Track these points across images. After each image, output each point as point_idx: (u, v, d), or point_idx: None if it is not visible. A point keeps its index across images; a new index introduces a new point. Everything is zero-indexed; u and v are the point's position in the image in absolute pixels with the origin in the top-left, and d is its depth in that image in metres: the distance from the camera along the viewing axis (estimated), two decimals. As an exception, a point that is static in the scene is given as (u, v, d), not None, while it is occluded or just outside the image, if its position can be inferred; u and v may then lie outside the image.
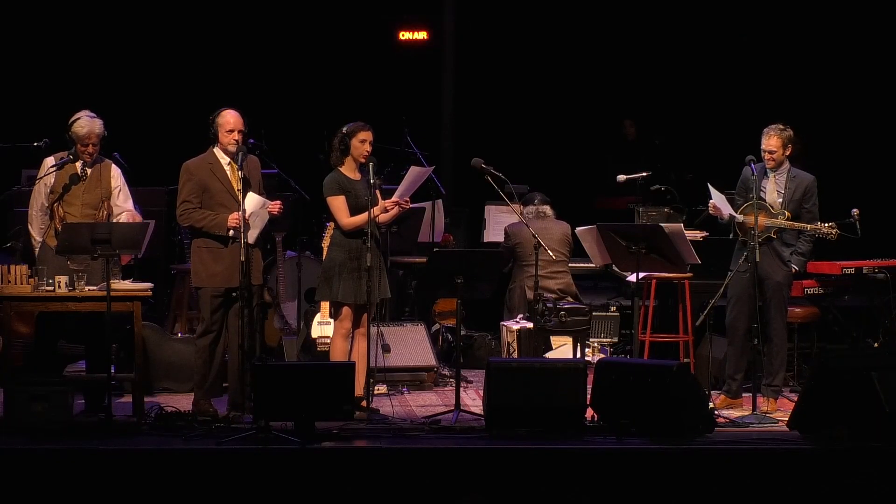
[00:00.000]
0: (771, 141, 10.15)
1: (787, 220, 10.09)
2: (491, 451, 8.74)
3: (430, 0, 15.57)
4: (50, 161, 9.86)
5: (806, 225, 10.12)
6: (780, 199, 10.13)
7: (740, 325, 10.12)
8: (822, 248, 11.53)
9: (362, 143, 9.82)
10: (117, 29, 14.95)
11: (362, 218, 9.71)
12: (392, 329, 11.25)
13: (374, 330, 10.16)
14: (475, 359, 11.87)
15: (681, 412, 9.05)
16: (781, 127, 10.19)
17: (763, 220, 10.04)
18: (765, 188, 10.16)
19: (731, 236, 10.38)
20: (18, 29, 14.78)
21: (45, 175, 9.80)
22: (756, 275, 9.88)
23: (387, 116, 13.62)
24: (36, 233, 9.85)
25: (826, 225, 10.09)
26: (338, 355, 9.83)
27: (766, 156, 10.16)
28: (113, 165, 9.99)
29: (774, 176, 10.18)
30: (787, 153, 10.19)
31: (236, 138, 9.65)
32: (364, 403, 9.75)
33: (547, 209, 11.71)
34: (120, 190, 9.92)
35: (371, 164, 9.79)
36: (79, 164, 9.85)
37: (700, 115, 15.85)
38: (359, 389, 9.59)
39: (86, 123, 9.79)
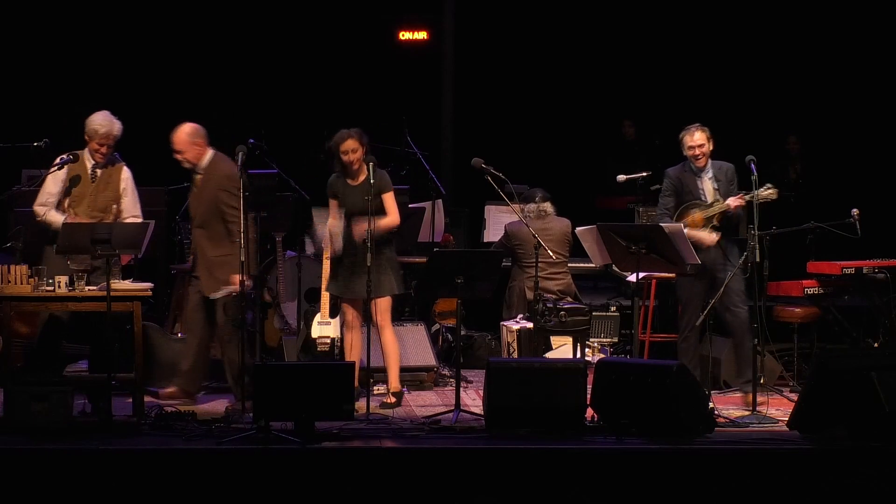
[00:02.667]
0: (696, 135, 10.31)
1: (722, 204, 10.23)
2: (491, 451, 8.74)
3: (430, 0, 15.58)
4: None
5: (744, 196, 10.17)
6: (717, 195, 10.29)
7: (695, 326, 10.20)
8: (822, 248, 11.54)
9: (345, 154, 10.09)
10: (118, 29, 14.96)
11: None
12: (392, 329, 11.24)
13: (373, 330, 10.19)
14: (475, 359, 11.87)
15: (680, 412, 9.05)
16: (699, 124, 10.30)
17: (700, 215, 10.16)
18: (702, 189, 10.30)
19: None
20: (19, 29, 14.79)
21: (51, 171, 9.80)
22: (755, 271, 9.91)
23: (387, 116, 13.63)
24: (53, 217, 9.82)
25: (763, 189, 10.12)
26: (345, 349, 10.30)
27: (696, 151, 10.32)
28: (124, 168, 9.98)
29: (704, 174, 10.34)
30: (713, 147, 10.34)
31: (178, 158, 9.92)
32: (390, 399, 10.16)
33: (548, 206, 11.67)
34: (127, 193, 9.94)
35: (371, 164, 9.87)
36: (89, 165, 9.85)
37: (700, 116, 15.84)
38: (393, 382, 10.22)
39: (106, 122, 9.80)
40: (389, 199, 10.09)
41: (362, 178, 10.07)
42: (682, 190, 10.41)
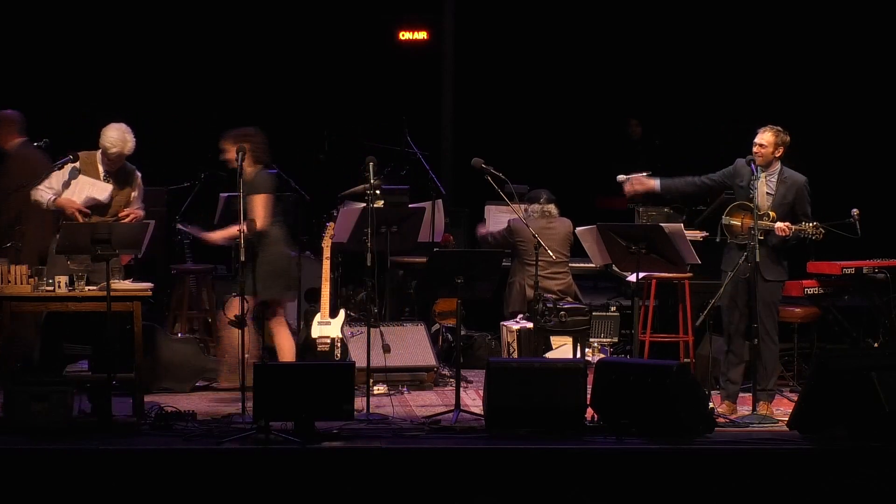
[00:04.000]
0: (765, 135, 10.02)
1: (773, 220, 9.98)
2: (491, 452, 8.74)
3: (430, 0, 15.58)
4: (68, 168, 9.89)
5: (791, 225, 9.98)
6: (769, 202, 10.00)
7: (741, 328, 10.05)
8: (822, 248, 11.53)
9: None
10: (118, 29, 14.95)
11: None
12: (392, 329, 11.24)
13: (373, 330, 10.19)
14: (475, 359, 11.87)
15: (680, 412, 9.06)
16: (780, 128, 10.12)
17: (748, 222, 9.96)
18: (754, 188, 10.03)
19: (717, 239, 10.27)
20: (19, 29, 14.78)
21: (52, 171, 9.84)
22: (756, 275, 9.85)
23: (387, 116, 13.63)
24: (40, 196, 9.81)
25: (811, 225, 10.00)
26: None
27: (757, 149, 10.00)
28: (136, 173, 9.97)
29: (765, 177, 10.04)
30: (778, 154, 10.07)
31: None
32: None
33: (552, 208, 11.66)
34: (136, 195, 9.94)
35: (371, 163, 9.86)
36: (101, 170, 9.84)
37: (700, 115, 15.85)
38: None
39: (118, 143, 9.71)
40: (257, 202, 9.88)
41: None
42: (737, 181, 10.08)
